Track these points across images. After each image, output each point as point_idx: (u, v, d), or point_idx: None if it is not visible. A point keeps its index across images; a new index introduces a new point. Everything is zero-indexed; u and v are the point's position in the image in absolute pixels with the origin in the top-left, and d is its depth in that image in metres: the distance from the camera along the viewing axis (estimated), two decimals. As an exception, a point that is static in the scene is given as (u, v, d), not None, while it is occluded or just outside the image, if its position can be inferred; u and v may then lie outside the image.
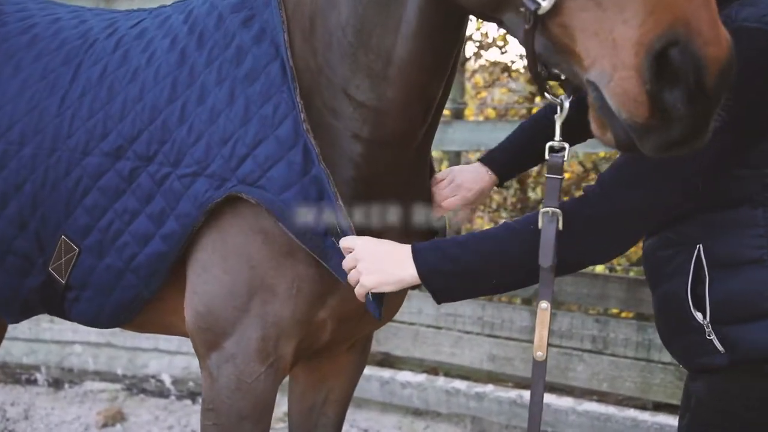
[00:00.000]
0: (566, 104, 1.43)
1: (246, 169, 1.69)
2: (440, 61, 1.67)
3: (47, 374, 4.47)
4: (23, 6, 2.19)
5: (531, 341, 3.82)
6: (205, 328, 1.78)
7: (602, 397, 3.82)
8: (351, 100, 1.70)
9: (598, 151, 4.01)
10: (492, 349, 3.91)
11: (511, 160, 2.05)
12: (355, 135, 1.72)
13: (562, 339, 3.78)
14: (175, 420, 4.09)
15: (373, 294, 1.64)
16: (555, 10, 1.23)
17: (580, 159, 4.75)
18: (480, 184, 2.01)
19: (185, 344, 3.86)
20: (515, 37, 1.38)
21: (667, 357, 3.44)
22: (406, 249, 1.58)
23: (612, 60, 1.17)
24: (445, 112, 4.61)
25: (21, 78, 1.97)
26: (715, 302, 1.55)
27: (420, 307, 4.07)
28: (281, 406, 3.16)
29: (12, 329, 3.80)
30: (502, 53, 5.01)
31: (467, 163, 2.98)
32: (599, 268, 4.25)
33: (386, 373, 4.04)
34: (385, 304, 1.68)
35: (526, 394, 3.76)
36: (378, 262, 1.59)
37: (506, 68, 5.05)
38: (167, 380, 4.36)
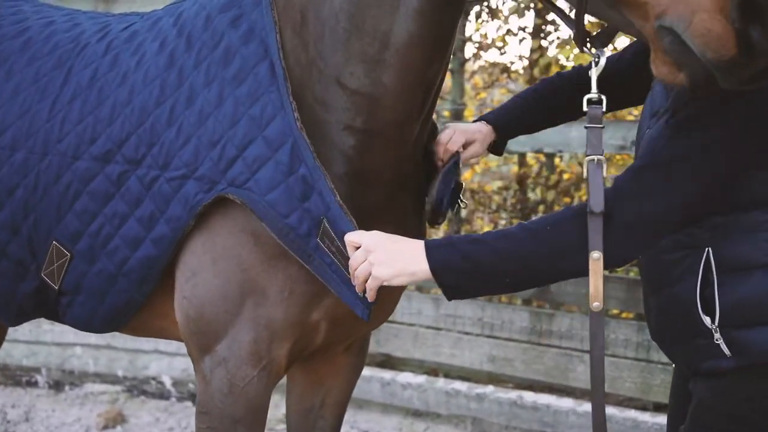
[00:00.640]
0: (602, 60, 1.52)
1: (236, 171, 1.68)
2: (441, 41, 1.64)
3: (48, 376, 4.47)
4: (18, 9, 2.19)
5: (531, 342, 3.84)
6: (197, 332, 1.78)
7: (602, 397, 3.80)
8: (344, 89, 1.68)
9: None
10: (492, 350, 3.90)
11: (513, 120, 2.04)
12: (347, 126, 1.70)
13: (562, 339, 3.76)
14: (176, 422, 4.09)
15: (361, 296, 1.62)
16: None
17: (580, 159, 4.73)
18: (480, 135, 1.99)
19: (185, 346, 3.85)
20: None
21: (667, 358, 3.41)
22: (418, 243, 1.55)
23: (689, 4, 1.26)
24: (445, 113, 4.62)
25: (14, 82, 1.97)
26: (725, 306, 1.54)
27: (420, 308, 4.07)
28: (281, 407, 3.15)
29: (12, 331, 3.79)
30: (502, 54, 5.02)
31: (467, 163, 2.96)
32: (599, 269, 4.22)
33: (387, 374, 4.04)
34: (373, 306, 1.66)
35: (527, 395, 3.78)
36: (391, 254, 1.56)
37: (505, 69, 5.05)
38: (168, 382, 4.35)
